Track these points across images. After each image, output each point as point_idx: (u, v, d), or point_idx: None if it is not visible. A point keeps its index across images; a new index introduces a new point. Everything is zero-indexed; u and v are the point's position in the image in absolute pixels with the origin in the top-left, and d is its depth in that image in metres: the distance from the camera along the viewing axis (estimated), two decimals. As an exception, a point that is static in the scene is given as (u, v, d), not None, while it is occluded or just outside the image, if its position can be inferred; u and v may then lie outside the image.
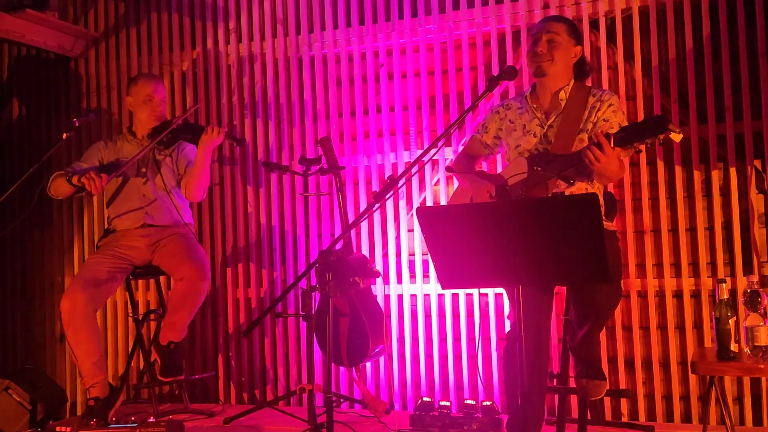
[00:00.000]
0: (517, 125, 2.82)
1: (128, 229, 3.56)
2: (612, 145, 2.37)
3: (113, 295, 4.14)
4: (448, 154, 3.70)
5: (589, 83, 2.87)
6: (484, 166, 3.24)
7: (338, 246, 3.30)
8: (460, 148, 3.11)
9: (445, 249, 2.14)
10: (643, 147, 2.33)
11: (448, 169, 3.01)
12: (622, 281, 2.83)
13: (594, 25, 3.55)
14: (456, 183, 3.12)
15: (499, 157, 3.40)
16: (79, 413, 4.27)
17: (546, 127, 2.73)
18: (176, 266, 3.44)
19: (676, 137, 2.26)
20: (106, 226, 3.69)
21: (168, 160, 3.61)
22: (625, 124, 2.59)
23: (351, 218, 3.73)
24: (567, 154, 2.59)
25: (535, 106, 2.78)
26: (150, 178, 3.58)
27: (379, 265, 3.78)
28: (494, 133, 2.93)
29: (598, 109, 2.69)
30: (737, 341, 2.58)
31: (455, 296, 3.67)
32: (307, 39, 4.03)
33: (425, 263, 3.74)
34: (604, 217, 2.56)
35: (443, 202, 3.74)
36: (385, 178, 3.62)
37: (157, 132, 3.48)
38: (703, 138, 3.36)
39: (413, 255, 3.78)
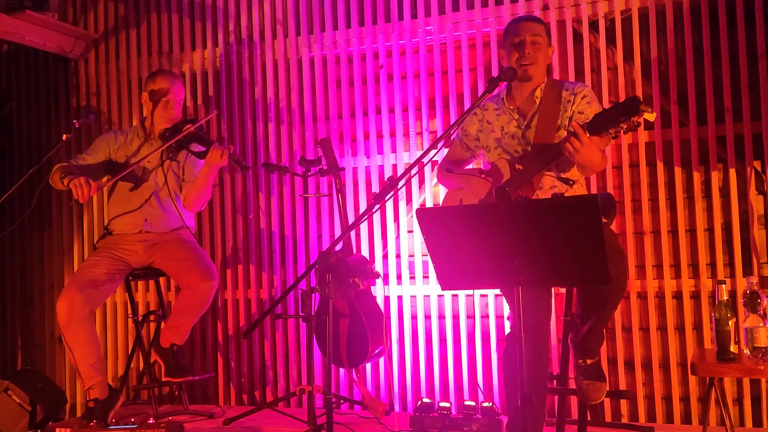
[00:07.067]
0: (495, 126, 2.83)
1: (126, 233, 3.54)
2: (587, 135, 2.38)
3: (113, 295, 4.15)
4: (448, 156, 3.70)
5: (556, 76, 2.86)
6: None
7: (338, 247, 3.30)
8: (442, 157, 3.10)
9: (445, 250, 2.15)
10: (620, 133, 2.32)
11: (448, 170, 3.01)
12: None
13: (593, 26, 3.55)
14: (443, 190, 3.09)
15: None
16: (78, 414, 4.27)
17: (524, 128, 2.74)
18: (184, 273, 3.42)
19: (650, 116, 2.25)
20: (105, 223, 3.64)
21: (175, 164, 3.56)
22: None
23: (351, 219, 3.73)
24: (546, 150, 2.59)
25: (511, 107, 2.78)
26: (155, 182, 3.54)
27: (378, 266, 3.78)
28: (474, 135, 2.93)
29: (573, 103, 2.70)
30: (737, 342, 2.58)
31: (455, 297, 3.67)
32: (307, 40, 4.03)
33: (425, 264, 3.74)
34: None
35: (443, 203, 3.74)
36: (385, 180, 3.62)
37: (167, 136, 3.39)
38: (702, 139, 3.36)
39: (413, 256, 3.78)
